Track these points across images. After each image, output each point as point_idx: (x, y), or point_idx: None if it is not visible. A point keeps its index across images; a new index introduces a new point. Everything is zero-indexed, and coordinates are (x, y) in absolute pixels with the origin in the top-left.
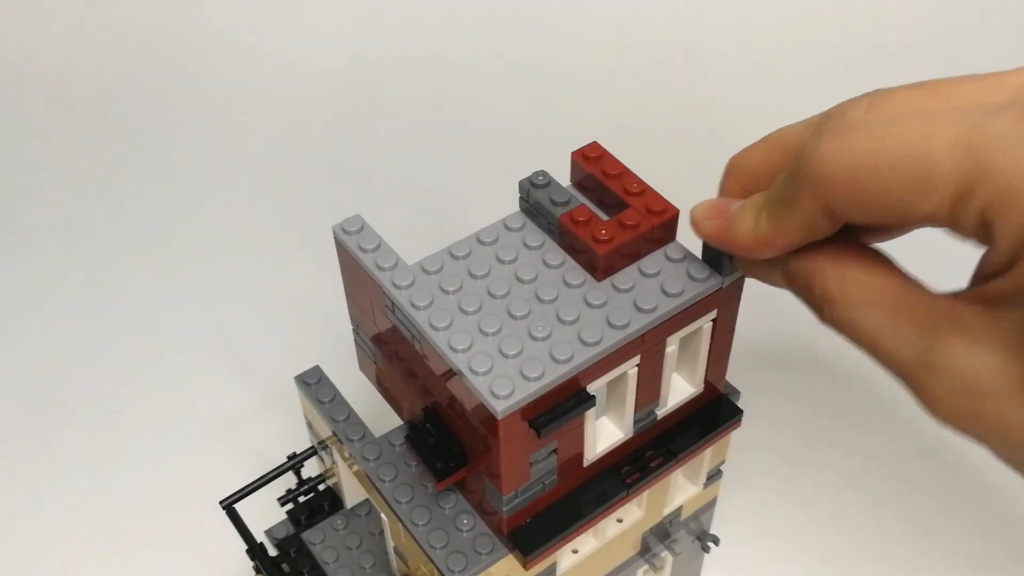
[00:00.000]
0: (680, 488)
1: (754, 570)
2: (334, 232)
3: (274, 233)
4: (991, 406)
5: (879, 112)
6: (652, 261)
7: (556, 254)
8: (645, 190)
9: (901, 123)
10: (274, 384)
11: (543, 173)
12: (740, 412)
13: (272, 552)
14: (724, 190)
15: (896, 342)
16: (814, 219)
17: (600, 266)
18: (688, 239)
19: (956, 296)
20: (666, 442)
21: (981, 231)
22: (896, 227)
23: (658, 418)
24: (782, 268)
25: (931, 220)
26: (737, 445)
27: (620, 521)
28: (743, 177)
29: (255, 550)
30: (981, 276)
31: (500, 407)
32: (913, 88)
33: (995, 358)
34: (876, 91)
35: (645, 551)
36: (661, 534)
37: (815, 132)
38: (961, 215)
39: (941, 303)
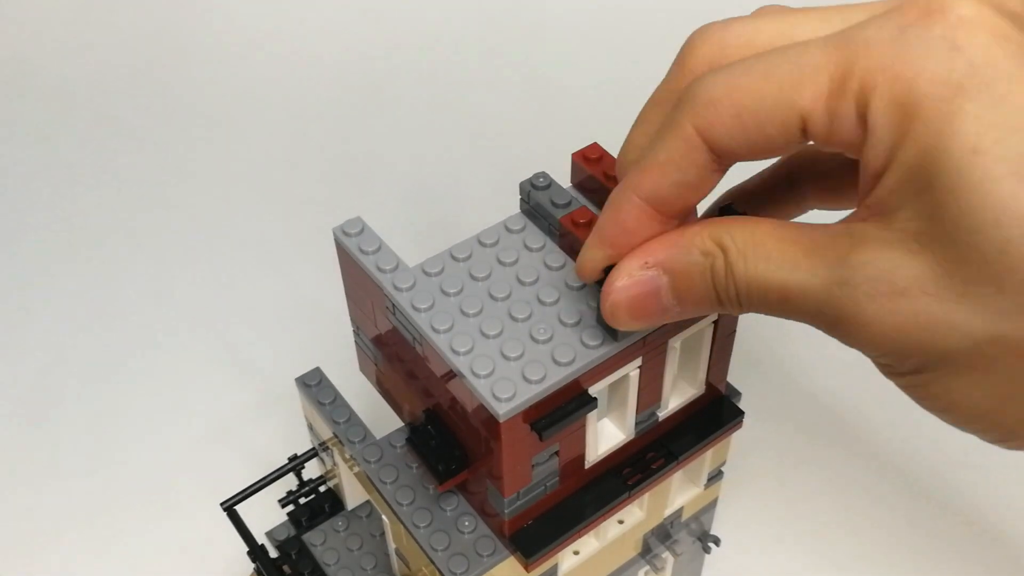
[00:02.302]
0: (681, 489)
1: (755, 571)
2: (334, 234)
3: (275, 234)
4: (908, 304)
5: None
6: None
7: (557, 256)
8: None
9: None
10: (275, 386)
11: (544, 175)
12: (741, 413)
13: (273, 554)
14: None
15: (806, 274)
16: (695, 146)
17: None
18: None
19: (849, 218)
20: (667, 443)
21: (860, 124)
22: (777, 142)
23: (659, 420)
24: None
25: (810, 124)
26: (738, 446)
27: (621, 522)
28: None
29: (256, 552)
30: (866, 190)
31: (502, 410)
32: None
33: (901, 258)
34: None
35: (646, 552)
36: (662, 535)
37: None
38: (839, 107)
39: (837, 228)
